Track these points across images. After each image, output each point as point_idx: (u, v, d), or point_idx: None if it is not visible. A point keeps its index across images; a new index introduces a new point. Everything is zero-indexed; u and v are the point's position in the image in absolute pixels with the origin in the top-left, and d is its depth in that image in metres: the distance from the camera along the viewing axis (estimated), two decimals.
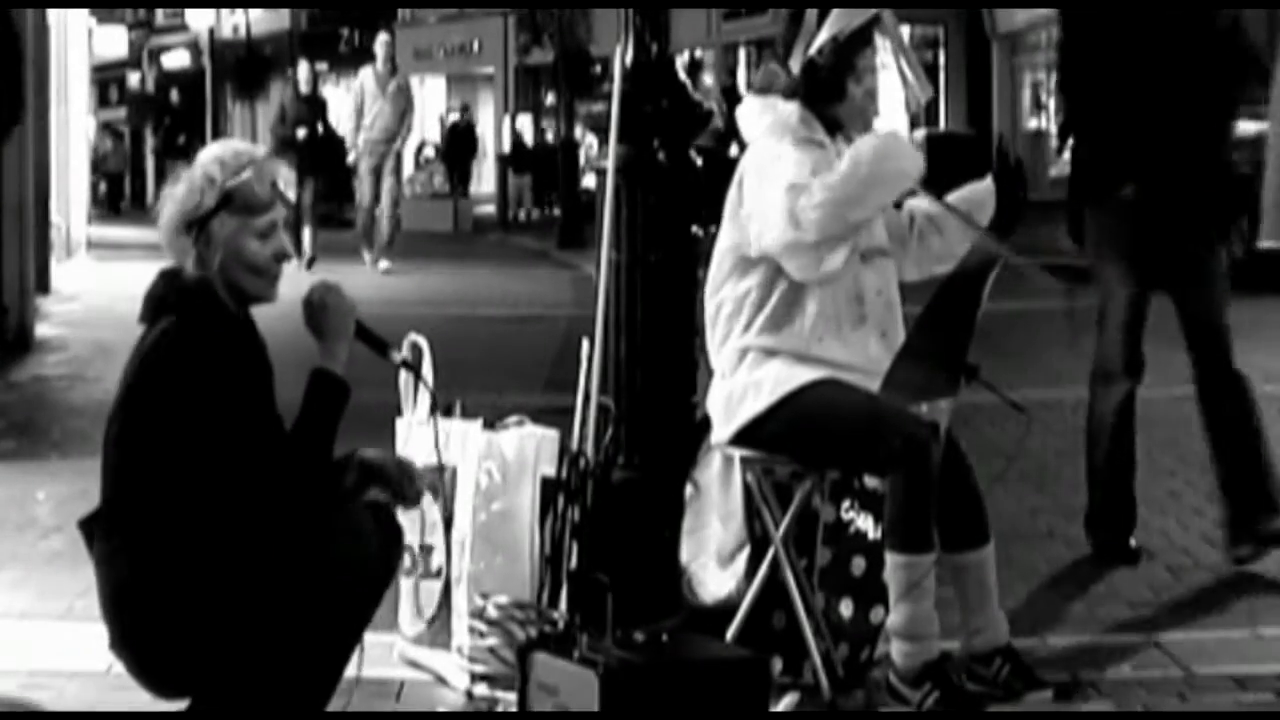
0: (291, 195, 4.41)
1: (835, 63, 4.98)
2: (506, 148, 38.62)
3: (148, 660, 4.13)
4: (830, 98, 5.00)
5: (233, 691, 4.10)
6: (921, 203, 5.18)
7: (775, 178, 4.84)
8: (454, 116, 38.97)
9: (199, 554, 4.03)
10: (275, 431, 4.15)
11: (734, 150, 13.32)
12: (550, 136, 36.96)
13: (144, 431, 4.10)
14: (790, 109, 5.00)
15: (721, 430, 4.98)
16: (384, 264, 19.32)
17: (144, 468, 4.09)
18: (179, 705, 4.22)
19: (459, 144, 36.94)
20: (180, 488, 4.05)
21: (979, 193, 5.09)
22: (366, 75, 19.85)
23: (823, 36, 4.97)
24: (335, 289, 4.30)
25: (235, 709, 4.12)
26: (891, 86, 5.11)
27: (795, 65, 5.02)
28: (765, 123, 5.00)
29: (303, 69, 20.97)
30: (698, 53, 37.40)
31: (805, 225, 4.77)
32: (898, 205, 5.17)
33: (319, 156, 20.18)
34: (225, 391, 4.07)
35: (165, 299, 4.23)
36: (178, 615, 4.04)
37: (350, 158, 19.84)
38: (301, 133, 19.78)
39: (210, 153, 4.31)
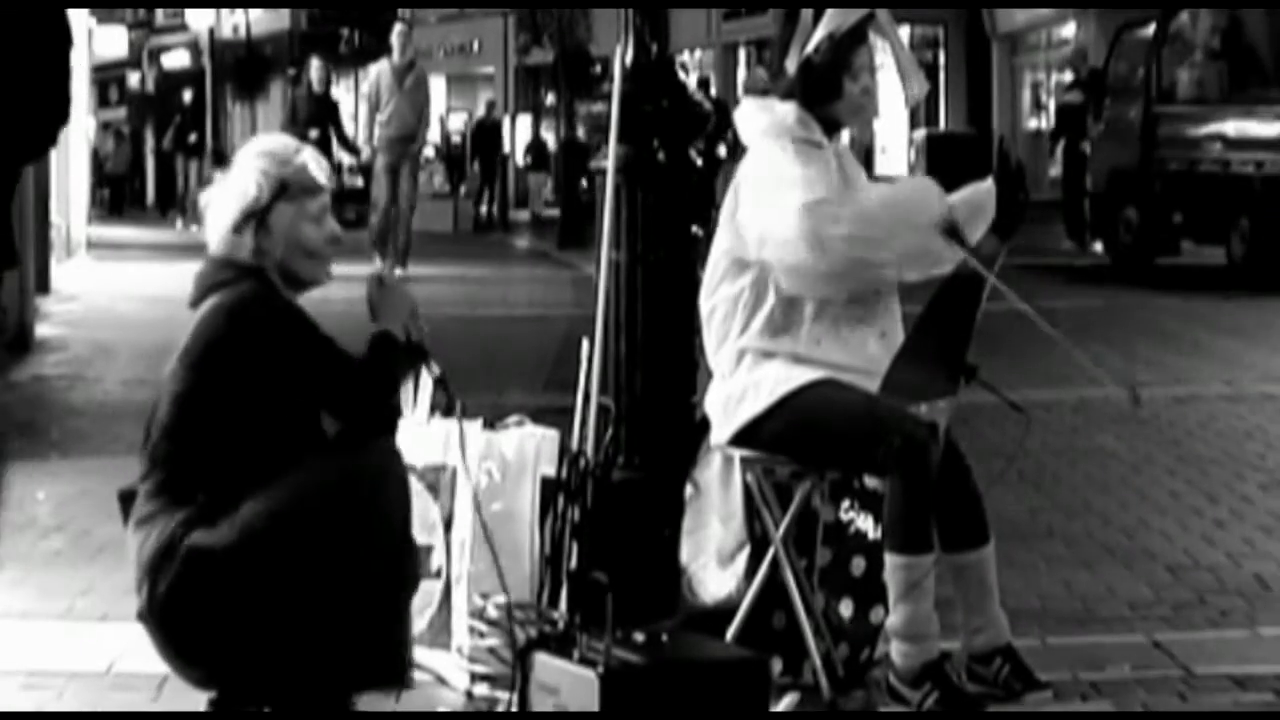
0: (323, 180, 4.45)
1: (831, 60, 4.97)
2: (505, 148, 38.46)
3: (177, 630, 4.14)
4: (827, 96, 5.00)
5: (255, 670, 4.11)
6: None
7: (785, 191, 4.82)
8: (479, 113, 38.27)
9: (244, 516, 4.08)
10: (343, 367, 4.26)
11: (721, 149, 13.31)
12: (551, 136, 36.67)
13: (203, 394, 4.16)
14: (787, 109, 4.99)
15: (721, 431, 4.98)
16: (399, 271, 18.19)
17: (199, 428, 4.15)
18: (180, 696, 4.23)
19: (485, 140, 35.94)
20: (235, 446, 4.12)
21: (979, 194, 5.08)
22: (382, 69, 18.62)
23: (819, 35, 4.97)
24: (394, 277, 4.41)
25: (255, 689, 4.13)
26: (891, 86, 5.11)
27: (791, 65, 5.02)
28: (762, 124, 5.00)
29: (315, 67, 19.78)
30: (696, 53, 37.41)
31: (830, 252, 4.76)
32: None
33: (331, 157, 19.12)
34: (287, 347, 4.18)
35: (217, 279, 4.29)
36: (215, 581, 4.06)
37: (365, 154, 18.82)
38: (314, 133, 18.43)
39: (255, 148, 4.40)
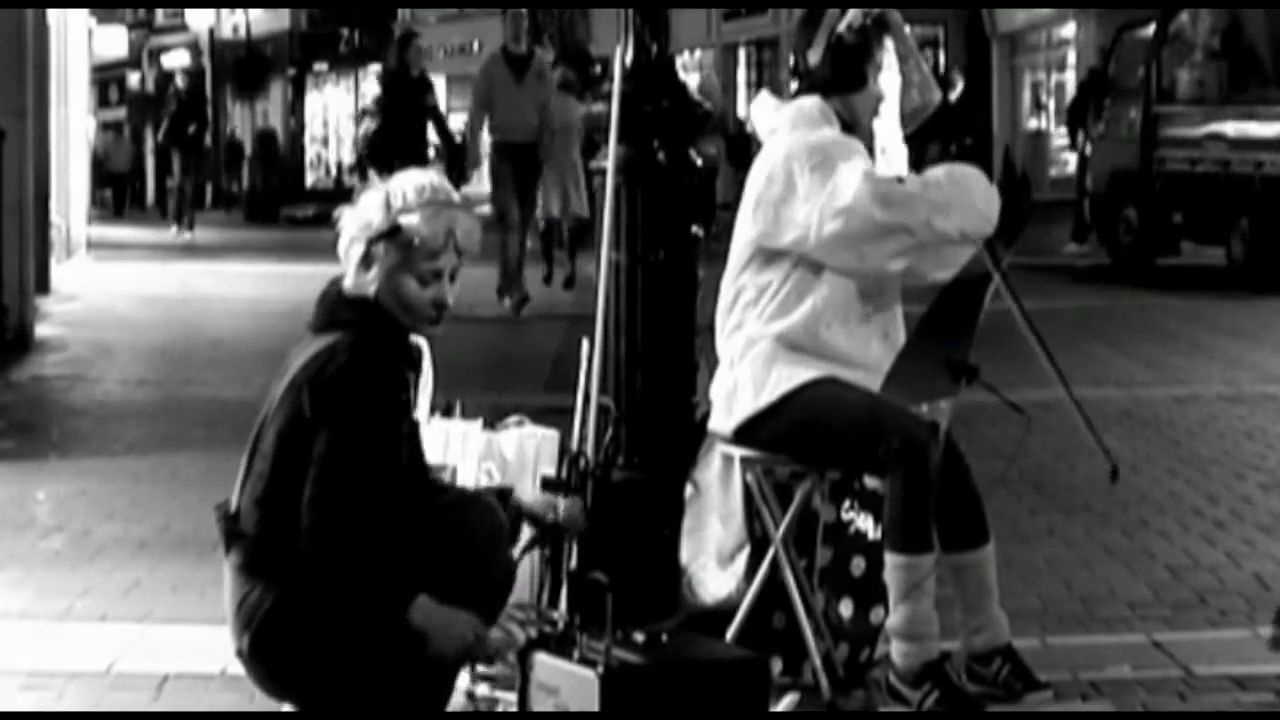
0: (473, 248, 4.35)
1: (859, 43, 4.97)
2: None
3: (278, 662, 4.16)
4: (851, 84, 4.99)
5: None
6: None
7: (842, 164, 4.83)
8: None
9: (344, 559, 4.07)
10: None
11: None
12: None
13: (306, 441, 4.11)
14: (811, 102, 5.00)
15: (722, 421, 4.98)
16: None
17: (301, 475, 4.10)
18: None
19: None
20: (335, 496, 4.08)
21: (968, 175, 5.03)
22: (494, 60, 15.46)
23: (849, 16, 4.96)
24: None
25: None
26: (891, 88, 5.11)
27: (815, 57, 5.01)
28: (786, 115, 5.00)
29: (412, 46, 15.51)
30: (696, 53, 37.37)
31: (896, 203, 4.77)
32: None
33: (420, 149, 15.14)
34: (387, 416, 4.15)
35: (337, 312, 4.24)
36: (318, 619, 4.09)
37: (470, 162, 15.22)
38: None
39: (402, 177, 4.28)
